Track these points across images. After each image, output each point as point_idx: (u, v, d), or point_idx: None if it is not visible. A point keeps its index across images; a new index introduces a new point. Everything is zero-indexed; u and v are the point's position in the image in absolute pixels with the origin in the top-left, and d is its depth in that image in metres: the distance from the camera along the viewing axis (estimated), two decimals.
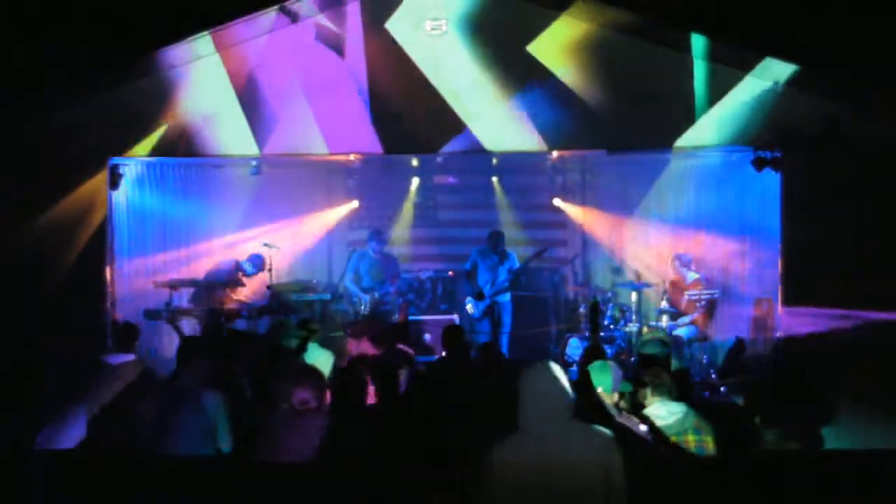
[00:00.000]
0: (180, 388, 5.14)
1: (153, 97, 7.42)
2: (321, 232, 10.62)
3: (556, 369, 3.37)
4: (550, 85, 7.53)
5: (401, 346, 6.85)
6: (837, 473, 4.26)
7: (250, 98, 7.62)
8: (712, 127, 7.38)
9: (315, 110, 7.68)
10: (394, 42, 7.54)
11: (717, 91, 7.36)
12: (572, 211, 10.74)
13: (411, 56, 7.57)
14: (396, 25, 7.62)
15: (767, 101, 7.31)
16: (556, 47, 7.48)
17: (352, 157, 9.08)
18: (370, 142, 7.64)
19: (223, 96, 7.51)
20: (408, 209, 11.18)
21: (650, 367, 5.18)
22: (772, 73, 7.15)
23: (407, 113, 7.55)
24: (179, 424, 4.94)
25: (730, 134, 7.41)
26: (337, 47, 7.70)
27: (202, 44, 7.27)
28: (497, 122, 7.56)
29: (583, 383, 4.70)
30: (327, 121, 7.67)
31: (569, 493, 3.18)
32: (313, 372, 4.79)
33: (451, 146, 7.65)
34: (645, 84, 7.39)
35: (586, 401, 4.65)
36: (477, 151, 7.72)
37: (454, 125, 7.56)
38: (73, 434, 6.52)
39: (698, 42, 7.17)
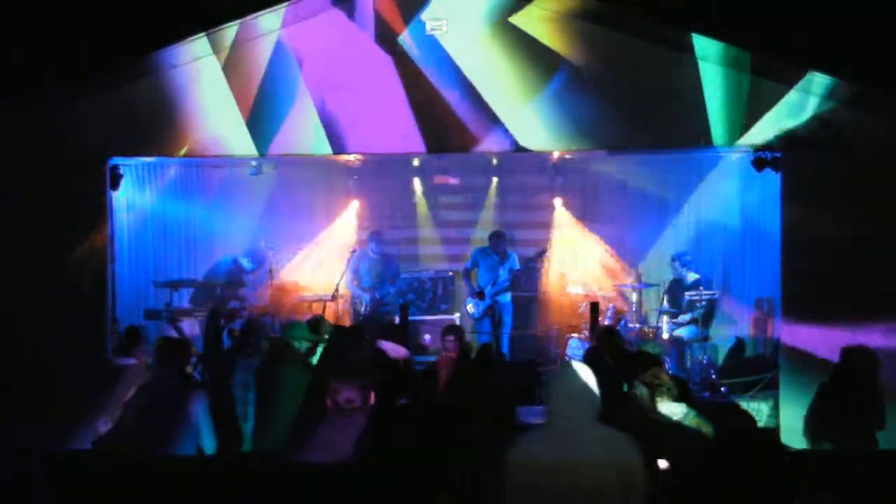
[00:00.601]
0: (160, 388, 5.14)
1: (153, 97, 7.40)
2: (346, 246, 10.27)
3: (585, 370, 3.41)
4: (567, 84, 7.41)
5: (383, 345, 6.87)
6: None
7: (266, 97, 7.50)
8: (713, 127, 7.35)
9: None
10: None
11: (717, 91, 7.34)
12: (562, 218, 10.77)
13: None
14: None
15: (768, 102, 7.28)
16: (570, 47, 7.40)
17: (352, 157, 9.06)
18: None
19: (225, 96, 7.47)
20: (408, 209, 11.19)
21: (649, 367, 5.18)
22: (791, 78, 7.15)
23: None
24: (161, 425, 4.95)
25: (730, 134, 7.38)
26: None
27: (202, 44, 7.23)
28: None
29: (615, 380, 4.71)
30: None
31: (587, 492, 3.20)
32: (360, 371, 4.80)
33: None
34: (646, 84, 7.37)
35: (617, 397, 4.69)
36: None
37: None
38: (78, 434, 6.53)
39: (699, 43, 7.14)
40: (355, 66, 7.47)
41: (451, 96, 7.42)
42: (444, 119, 7.43)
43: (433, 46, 7.43)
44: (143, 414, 5.02)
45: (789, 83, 7.15)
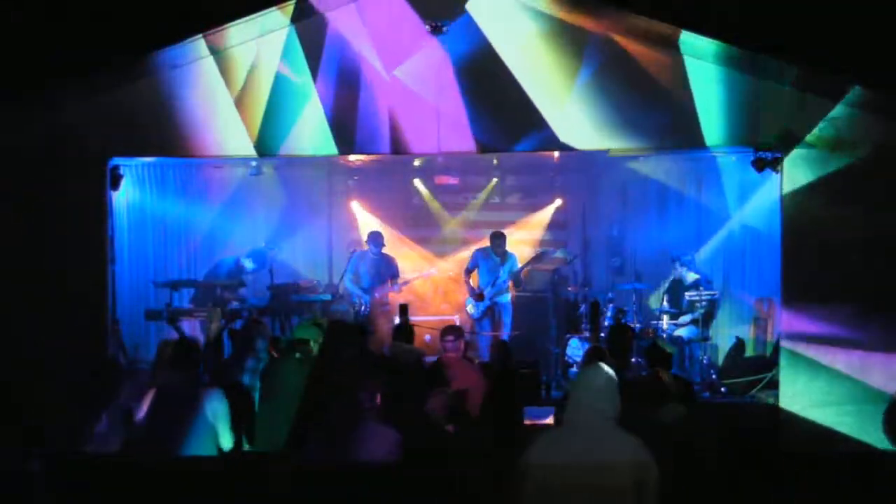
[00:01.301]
0: (175, 390, 5.13)
1: (154, 97, 7.39)
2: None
3: (609, 371, 3.41)
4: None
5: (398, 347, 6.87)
6: None
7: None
8: (712, 128, 7.35)
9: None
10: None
11: (717, 92, 7.34)
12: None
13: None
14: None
15: (768, 102, 7.29)
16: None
17: (351, 157, 9.06)
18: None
19: (226, 97, 7.45)
20: (408, 209, 11.19)
21: (651, 367, 5.19)
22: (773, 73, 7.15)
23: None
24: (181, 427, 4.94)
25: (730, 134, 7.38)
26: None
27: (202, 44, 7.21)
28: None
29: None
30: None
31: (605, 492, 3.23)
32: (371, 372, 4.82)
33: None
34: (646, 85, 7.36)
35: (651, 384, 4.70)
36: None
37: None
38: (78, 434, 6.52)
39: (698, 43, 7.14)
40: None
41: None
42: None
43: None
44: (161, 416, 5.00)
45: (792, 84, 7.16)
